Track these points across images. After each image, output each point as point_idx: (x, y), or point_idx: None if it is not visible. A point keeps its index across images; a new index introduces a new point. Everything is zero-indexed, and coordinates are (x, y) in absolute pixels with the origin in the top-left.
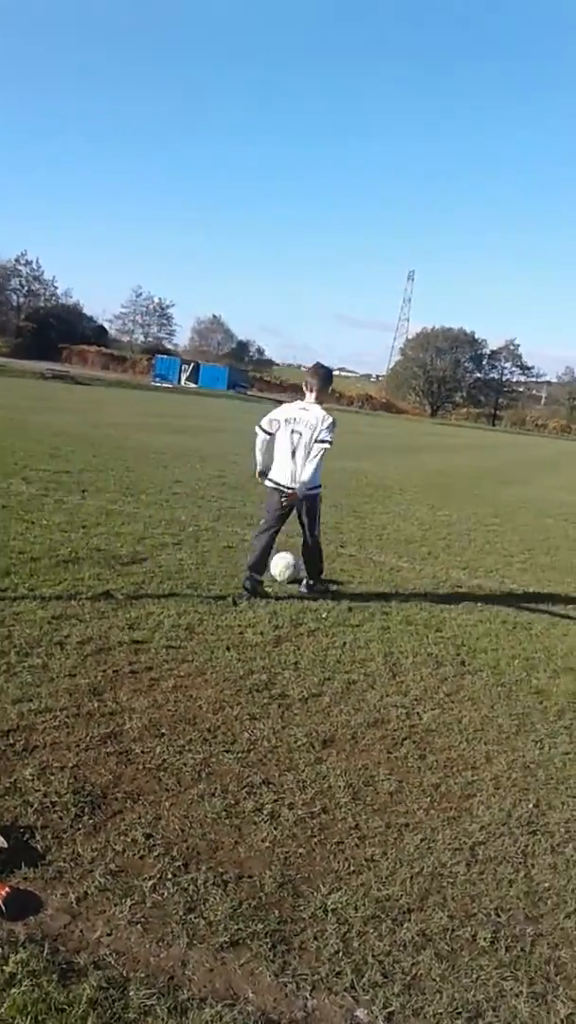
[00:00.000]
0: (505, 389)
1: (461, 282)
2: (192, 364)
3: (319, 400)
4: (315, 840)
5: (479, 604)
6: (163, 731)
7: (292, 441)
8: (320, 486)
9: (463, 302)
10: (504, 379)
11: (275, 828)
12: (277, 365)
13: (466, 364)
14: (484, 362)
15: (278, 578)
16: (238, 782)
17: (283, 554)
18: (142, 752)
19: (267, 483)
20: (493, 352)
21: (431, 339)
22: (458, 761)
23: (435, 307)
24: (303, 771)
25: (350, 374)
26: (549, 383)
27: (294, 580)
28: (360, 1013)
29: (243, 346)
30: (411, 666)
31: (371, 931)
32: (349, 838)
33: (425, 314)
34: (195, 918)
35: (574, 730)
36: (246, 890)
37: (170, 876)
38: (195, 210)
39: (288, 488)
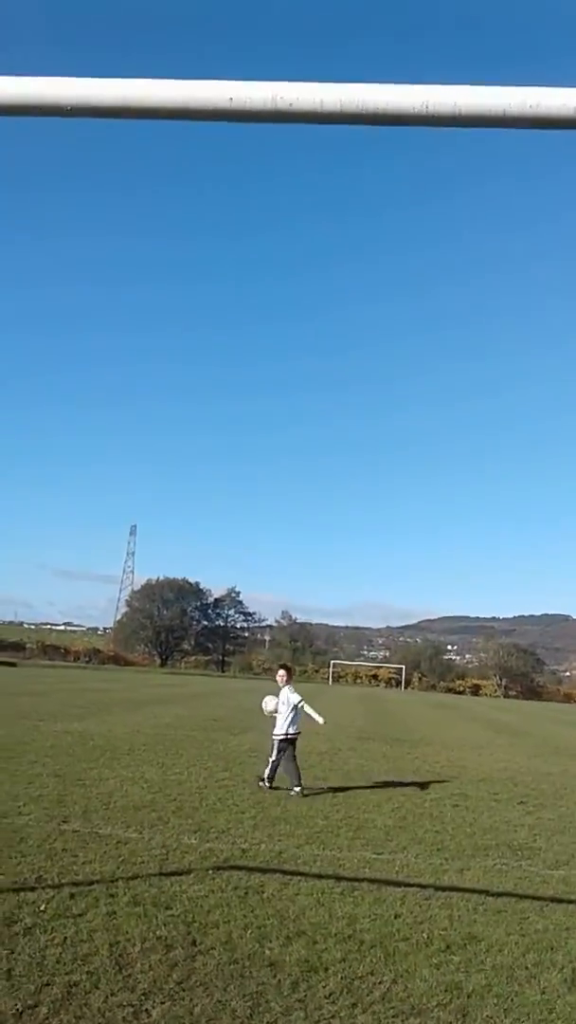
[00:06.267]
0: (231, 635)
1: (183, 534)
2: None
3: (287, 684)
4: None
5: (211, 872)
6: None
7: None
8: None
9: (186, 553)
10: (229, 626)
11: None
12: None
13: (192, 613)
14: (209, 610)
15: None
16: None
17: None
18: None
19: (284, 736)
20: (217, 600)
21: (157, 590)
22: None
23: (159, 558)
24: None
25: (76, 628)
26: (270, 627)
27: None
28: None
29: None
30: (139, 954)
31: None
32: None
33: (150, 565)
34: None
35: (308, 1002)
36: None
37: None
38: None
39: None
